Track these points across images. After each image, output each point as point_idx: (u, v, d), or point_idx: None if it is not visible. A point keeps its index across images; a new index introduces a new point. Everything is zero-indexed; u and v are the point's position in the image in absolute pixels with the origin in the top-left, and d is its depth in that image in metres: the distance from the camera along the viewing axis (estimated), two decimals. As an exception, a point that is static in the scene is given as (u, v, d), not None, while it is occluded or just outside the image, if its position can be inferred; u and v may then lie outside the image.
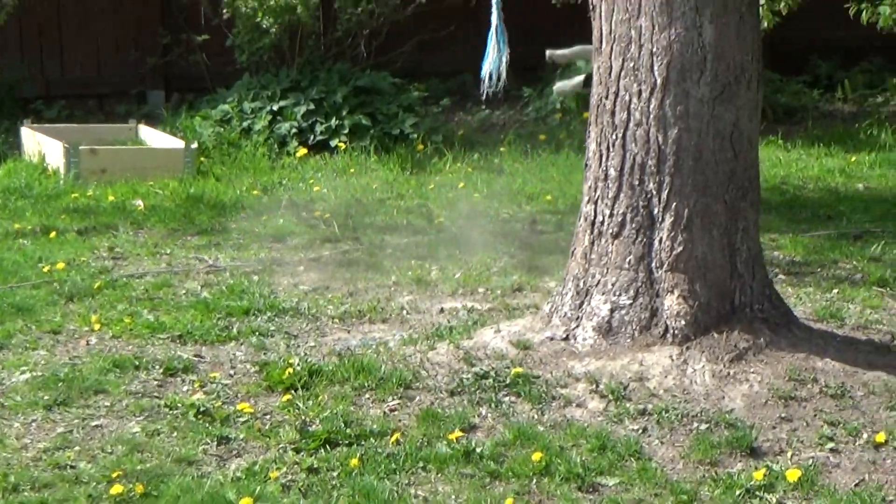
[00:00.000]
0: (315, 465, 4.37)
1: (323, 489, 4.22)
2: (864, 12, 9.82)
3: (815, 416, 4.73)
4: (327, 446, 4.52)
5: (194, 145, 10.12)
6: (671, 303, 5.01)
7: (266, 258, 7.48)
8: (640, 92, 4.98)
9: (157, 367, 5.37)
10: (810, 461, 4.39)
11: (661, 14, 4.89)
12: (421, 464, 4.37)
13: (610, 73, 5.08)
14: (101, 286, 6.67)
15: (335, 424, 4.66)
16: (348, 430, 4.63)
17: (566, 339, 5.18)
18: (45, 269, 7.03)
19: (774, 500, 4.16)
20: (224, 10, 11.03)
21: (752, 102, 5.15)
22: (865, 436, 4.56)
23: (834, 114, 12.78)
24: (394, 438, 4.55)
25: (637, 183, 5.02)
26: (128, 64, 12.45)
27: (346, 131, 10.57)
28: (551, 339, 5.22)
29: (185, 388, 5.18)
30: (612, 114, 5.08)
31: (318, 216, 8.50)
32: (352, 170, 10.14)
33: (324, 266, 7.29)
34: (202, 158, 10.20)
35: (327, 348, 5.69)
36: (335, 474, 4.30)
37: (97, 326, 5.96)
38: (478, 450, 4.43)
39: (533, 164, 10.34)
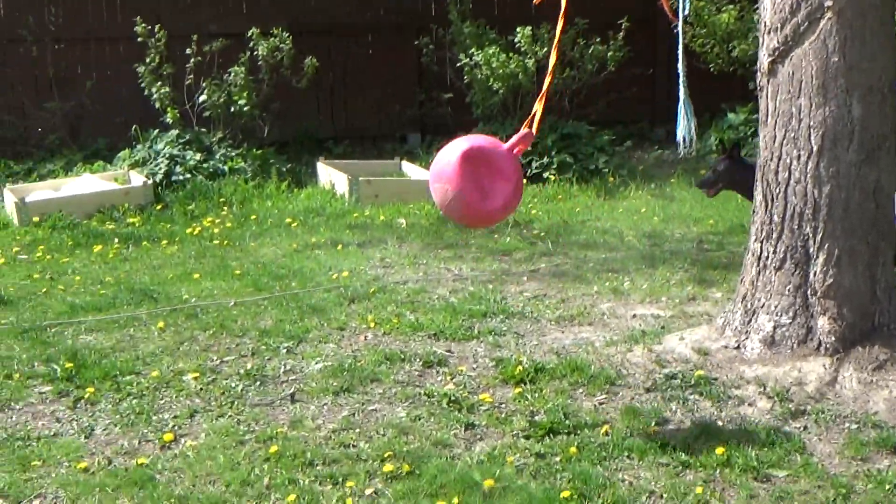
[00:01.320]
0: (542, 452, 4.63)
1: (549, 473, 4.45)
2: None
3: (947, 419, 4.85)
4: (551, 434, 4.80)
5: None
6: (823, 323, 5.26)
7: (497, 269, 7.80)
8: (798, 156, 5.24)
9: (418, 360, 5.76)
10: (944, 460, 4.48)
11: (818, 95, 5.14)
12: (626, 453, 4.61)
13: (774, 141, 5.34)
14: (374, 291, 7.12)
15: (557, 416, 4.95)
16: (567, 421, 4.92)
17: (737, 348, 5.48)
18: (335, 276, 7.54)
19: (901, 485, 4.26)
20: (465, 76, 11.89)
21: (891, 165, 5.34)
22: None
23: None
24: (603, 430, 4.80)
25: (796, 227, 5.29)
26: (393, 114, 13.43)
27: (554, 167, 11.17)
28: (725, 347, 5.51)
29: (439, 379, 5.54)
30: (776, 173, 5.34)
31: (536, 234, 8.85)
32: (559, 196, 10.56)
33: (541, 276, 7.59)
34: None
35: (547, 347, 6.01)
36: (557, 459, 4.56)
37: (372, 325, 6.38)
38: (671, 442, 4.65)
39: (697, 193, 10.59)
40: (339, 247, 8.47)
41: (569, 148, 11.47)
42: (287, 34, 11.49)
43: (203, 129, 11.38)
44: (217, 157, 10.95)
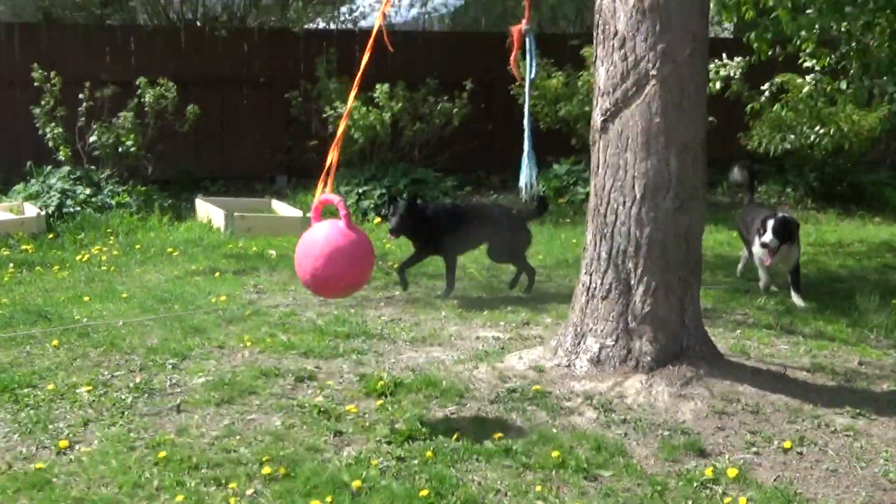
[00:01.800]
0: (402, 456, 4.65)
1: (409, 474, 4.47)
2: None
3: (741, 426, 5.09)
4: (410, 441, 4.82)
5: (309, 214, 10.90)
6: (641, 345, 5.49)
7: (358, 296, 7.61)
8: (624, 202, 5.47)
9: (290, 375, 5.75)
10: (741, 461, 4.70)
11: (642, 150, 5.40)
12: (475, 456, 4.67)
13: (604, 189, 5.55)
14: (249, 314, 7.16)
15: (414, 424, 4.97)
16: (423, 429, 4.94)
17: (568, 366, 5.63)
18: (213, 300, 7.51)
19: (720, 490, 4.40)
20: (329, 126, 12.07)
21: (700, 212, 5.66)
22: (776, 442, 4.90)
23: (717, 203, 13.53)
24: (455, 437, 4.84)
25: (620, 263, 5.52)
26: (263, 158, 13.60)
27: (406, 209, 11.45)
28: (558, 365, 5.67)
29: (309, 392, 5.53)
30: (605, 216, 5.55)
31: (391, 266, 8.90)
32: None
33: (396, 303, 7.72)
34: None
35: (404, 364, 6.07)
36: (416, 462, 4.58)
37: (248, 343, 6.38)
38: (513, 447, 4.74)
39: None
40: (217, 274, 8.54)
41: (418, 191, 11.60)
42: (172, 84, 11.42)
43: (93, 167, 11.44)
44: (105, 192, 10.95)
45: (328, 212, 5.51)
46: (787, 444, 4.88)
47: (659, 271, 5.50)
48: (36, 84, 11.25)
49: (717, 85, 10.83)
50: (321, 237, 5.02)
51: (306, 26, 15.22)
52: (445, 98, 12.34)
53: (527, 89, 6.24)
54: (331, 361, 6.10)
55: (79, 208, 10.60)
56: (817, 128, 12.87)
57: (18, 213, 10.43)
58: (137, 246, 9.69)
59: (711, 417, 5.17)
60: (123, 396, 5.41)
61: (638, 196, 5.46)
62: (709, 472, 4.54)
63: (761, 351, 6.52)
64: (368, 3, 17.14)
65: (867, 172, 14.31)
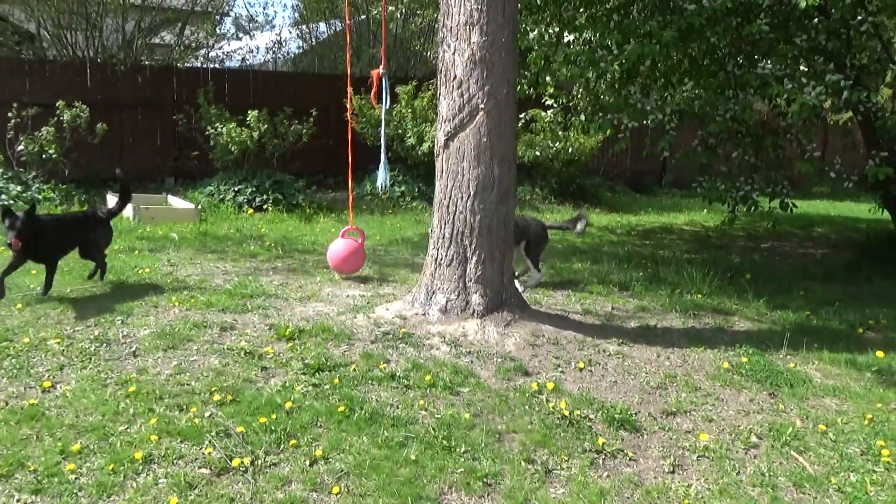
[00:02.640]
0: (316, 383, 4.55)
1: (325, 396, 4.40)
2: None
3: (547, 354, 5.22)
4: (319, 371, 4.72)
5: (199, 206, 10.41)
6: (475, 298, 5.55)
7: (251, 267, 7.51)
8: (462, 197, 5.49)
9: (216, 326, 5.44)
10: (554, 377, 4.85)
11: (474, 160, 5.43)
12: (370, 381, 4.62)
13: (447, 188, 5.56)
14: (171, 281, 6.71)
15: (320, 360, 4.86)
16: (327, 363, 4.84)
17: (424, 314, 5.62)
18: (139, 272, 6.99)
19: (544, 398, 4.54)
20: (211, 141, 11.56)
21: (512, 204, 5.73)
22: (573, 364, 5.08)
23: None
24: (352, 367, 4.80)
25: (460, 241, 5.55)
26: (156, 164, 12.74)
27: (270, 201, 11.06)
28: (416, 314, 5.65)
29: (233, 338, 5.25)
30: (447, 207, 5.56)
31: (269, 245, 8.60)
32: (276, 220, 10.38)
33: (281, 271, 7.39)
34: (202, 213, 10.40)
35: (300, 316, 5.81)
36: (328, 387, 4.49)
37: (177, 304, 5.97)
38: (396, 373, 4.73)
39: (366, 219, 10.87)
40: (136, 252, 7.93)
41: (279, 189, 11.38)
42: (85, 106, 10.63)
43: (21, 170, 10.32)
44: (33, 189, 9.99)
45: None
46: (581, 365, 5.07)
47: (487, 246, 5.58)
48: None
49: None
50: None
51: (187, 64, 14.53)
52: (296, 121, 12.06)
53: (382, 117, 6.21)
54: (244, 315, 5.81)
55: (11, 202, 9.60)
56: (556, 145, 13.44)
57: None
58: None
59: (527, 348, 5.28)
60: (87, 346, 5.00)
61: (472, 193, 5.51)
62: (534, 386, 4.67)
63: (548, 302, 6.70)
64: (231, 49, 16.42)
65: (588, 178, 15.03)
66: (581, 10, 7.72)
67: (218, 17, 16.64)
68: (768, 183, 7.65)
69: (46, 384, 4.39)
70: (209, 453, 3.72)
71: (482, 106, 5.43)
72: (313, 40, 16.97)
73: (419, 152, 12.42)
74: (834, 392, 4.98)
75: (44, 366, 4.69)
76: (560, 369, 5.02)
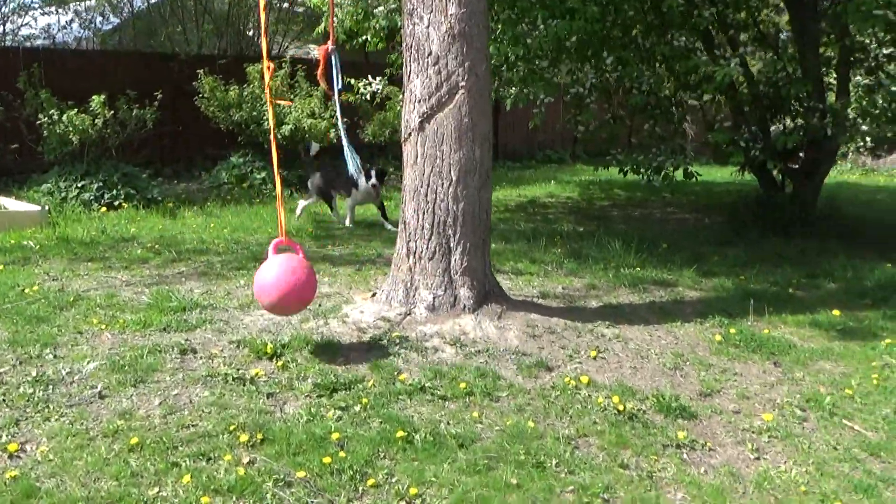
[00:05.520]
0: (343, 406, 3.96)
1: (364, 419, 3.85)
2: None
3: (551, 344, 4.93)
4: (335, 392, 4.13)
5: (47, 207, 8.92)
6: (463, 292, 5.16)
7: (152, 274, 6.47)
8: (443, 184, 5.07)
9: (172, 350, 4.58)
10: (576, 370, 4.57)
11: (455, 143, 5.02)
12: (399, 396, 4.12)
13: (423, 174, 5.10)
14: (74, 299, 5.58)
15: (327, 378, 4.25)
16: (337, 380, 4.23)
17: (409, 314, 5.14)
18: (24, 291, 5.76)
19: (585, 394, 4.26)
20: (44, 131, 9.92)
21: (490, 189, 5.37)
22: (583, 353, 4.84)
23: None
24: (371, 383, 4.26)
25: (442, 231, 5.13)
26: None
27: (122, 197, 9.73)
28: (400, 314, 5.15)
29: (201, 363, 4.45)
30: (425, 195, 5.11)
31: (151, 247, 7.47)
32: (137, 219, 9.04)
33: (191, 276, 6.41)
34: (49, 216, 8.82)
35: (255, 327, 5.04)
36: (358, 409, 3.93)
37: (103, 326, 5.00)
38: (424, 385, 4.23)
39: (233, 211, 9.98)
40: (0, 267, 6.55)
41: (129, 183, 10.11)
42: None
43: None
44: None
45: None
46: (593, 353, 4.85)
47: (471, 235, 5.17)
48: None
49: (368, 97, 10.65)
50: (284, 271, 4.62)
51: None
52: (137, 106, 10.76)
53: (336, 98, 5.55)
54: (192, 333, 4.97)
55: None
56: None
57: None
58: None
59: (529, 341, 4.97)
60: (31, 391, 4.03)
61: (454, 179, 5.08)
62: (568, 381, 4.38)
63: (551, 290, 6.28)
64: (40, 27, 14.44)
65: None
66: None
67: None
68: (673, 152, 7.85)
69: (12, 447, 3.47)
70: (282, 510, 3.10)
71: (462, 83, 5.00)
72: (130, 13, 15.28)
73: (278, 136, 11.59)
74: (823, 355, 5.13)
75: (-10, 423, 3.73)
76: (576, 360, 4.77)
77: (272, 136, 5.01)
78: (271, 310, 4.66)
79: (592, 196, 12.78)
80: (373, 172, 8.75)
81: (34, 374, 4.26)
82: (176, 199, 10.47)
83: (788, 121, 8.99)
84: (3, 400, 3.95)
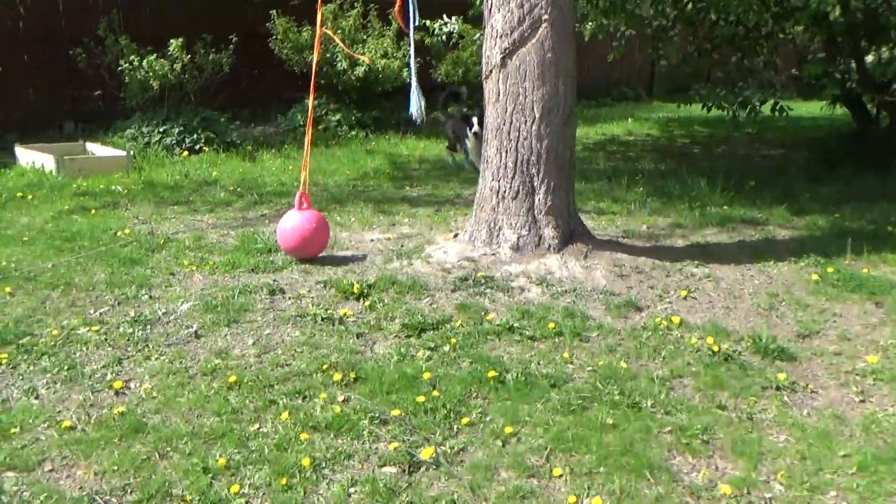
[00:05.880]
0: (432, 346, 3.94)
1: (454, 359, 3.83)
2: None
3: (639, 284, 4.85)
4: (422, 332, 4.11)
5: (132, 153, 9.08)
6: (548, 231, 5.10)
7: (236, 217, 6.59)
8: (525, 121, 4.98)
9: (261, 291, 4.67)
10: (666, 310, 4.47)
11: (538, 80, 4.91)
12: (487, 336, 4.08)
13: (506, 112, 5.01)
14: (164, 242, 5.71)
15: (414, 318, 4.24)
16: (424, 320, 4.21)
17: (494, 255, 5.10)
18: (117, 233, 5.93)
19: (677, 334, 4.15)
20: (125, 77, 9.97)
21: (575, 125, 5.30)
22: (673, 293, 4.74)
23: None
24: (458, 322, 4.24)
25: (525, 170, 5.05)
26: (50, 107, 10.97)
27: (203, 142, 9.83)
28: (484, 254, 5.12)
29: (290, 303, 4.51)
30: (508, 133, 5.03)
31: (233, 190, 7.58)
32: (218, 162, 9.10)
33: (273, 219, 6.33)
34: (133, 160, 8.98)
35: (342, 268, 5.09)
36: (447, 349, 3.91)
37: (193, 268, 5.13)
38: (512, 325, 4.17)
39: (302, 153, 9.97)
40: (93, 211, 6.73)
41: (209, 128, 10.18)
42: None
43: None
44: None
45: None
46: (683, 293, 4.74)
47: (555, 173, 5.08)
48: None
49: (444, 37, 10.49)
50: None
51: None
52: (213, 50, 10.82)
53: (411, 36, 5.46)
54: (279, 274, 5.05)
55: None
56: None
57: None
58: (-15, 194, 7.57)
59: (617, 280, 4.89)
60: (130, 331, 4.16)
61: (537, 116, 4.97)
62: (659, 322, 4.27)
63: (635, 228, 6.17)
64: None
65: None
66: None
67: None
68: (761, 86, 7.52)
69: (117, 385, 3.60)
70: (379, 448, 3.13)
71: (545, 17, 4.85)
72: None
73: (352, 77, 11.53)
74: (928, 295, 4.91)
75: (95, 362, 3.85)
76: (666, 300, 4.66)
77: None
78: (290, 253, 5.36)
79: (672, 133, 12.41)
80: (474, 120, 7.90)
81: (132, 314, 4.39)
82: (254, 143, 10.53)
83: (885, 51, 8.50)
84: (105, 339, 4.09)
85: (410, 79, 5.40)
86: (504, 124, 5.06)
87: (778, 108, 7.61)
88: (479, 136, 6.96)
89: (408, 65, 5.55)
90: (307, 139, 5.30)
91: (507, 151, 5.08)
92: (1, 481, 2.91)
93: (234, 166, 9.06)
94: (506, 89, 5.02)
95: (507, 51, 4.95)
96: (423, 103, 5.43)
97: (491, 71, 5.08)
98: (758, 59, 7.56)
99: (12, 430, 3.22)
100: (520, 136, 5.02)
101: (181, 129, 10.03)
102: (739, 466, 3.05)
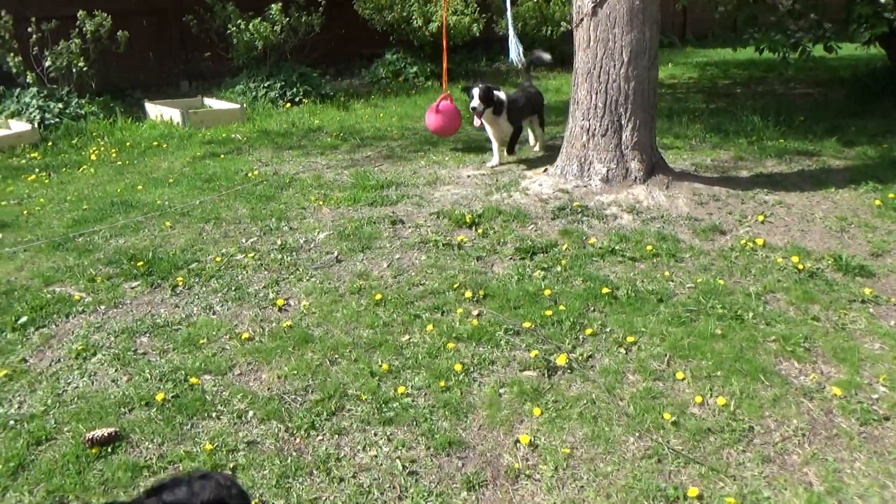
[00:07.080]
0: (545, 266, 3.87)
1: (567, 277, 3.76)
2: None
3: (718, 210, 4.66)
4: (533, 255, 4.03)
5: (244, 105, 9.02)
6: (634, 165, 4.91)
7: (345, 158, 6.49)
8: (614, 65, 4.74)
9: (384, 221, 4.63)
10: (747, 233, 4.30)
11: (627, 26, 4.66)
12: (592, 258, 3.99)
13: (596, 57, 4.78)
14: (289, 181, 5.69)
15: (525, 243, 4.17)
16: (533, 244, 4.13)
17: (586, 186, 4.95)
18: (247, 175, 5.93)
19: (763, 254, 4.01)
20: (234, 39, 9.83)
21: (657, 69, 5.00)
22: (750, 217, 4.55)
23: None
24: (565, 246, 4.15)
25: (614, 109, 4.84)
26: (168, 68, 10.93)
27: (301, 95, 9.68)
28: (577, 186, 4.96)
29: (410, 231, 4.46)
30: (598, 77, 4.80)
31: (336, 136, 7.46)
32: (316, 112, 8.94)
33: (377, 160, 6.38)
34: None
35: (447, 200, 5.01)
36: (558, 269, 3.84)
37: (320, 203, 5.11)
38: (611, 247, 4.08)
39: (396, 101, 9.80)
40: (221, 156, 6.71)
41: (306, 82, 10.03)
42: (107, 14, 8.94)
43: (54, 86, 8.64)
44: (73, 104, 8.37)
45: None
46: (760, 218, 4.54)
47: (641, 112, 4.85)
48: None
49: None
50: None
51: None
52: (304, 12, 10.62)
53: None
54: (395, 206, 4.99)
55: (57, 119, 8.12)
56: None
57: (5, 129, 7.95)
58: (127, 143, 7.47)
59: (698, 207, 4.70)
60: (280, 256, 4.17)
61: (626, 60, 4.73)
62: (745, 244, 4.12)
63: (703, 163, 5.84)
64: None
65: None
66: None
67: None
68: (811, 28, 7.09)
69: (279, 302, 3.61)
70: (517, 355, 3.09)
71: (635, -33, 4.57)
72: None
73: (426, 33, 11.23)
74: None
75: (256, 283, 3.87)
76: (745, 224, 4.48)
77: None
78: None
79: (712, 76, 11.88)
80: (474, 92, 5.72)
81: (279, 242, 4.39)
82: (345, 94, 10.41)
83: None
84: (261, 264, 4.10)
85: (508, 30, 5.19)
86: (594, 68, 4.84)
87: (829, 47, 7.18)
88: (476, 112, 5.64)
89: (505, 16, 5.32)
90: (444, 54, 5.07)
91: (597, 93, 4.86)
92: (202, 383, 2.97)
93: (332, 115, 8.94)
94: (596, 36, 4.78)
95: (597, 1, 4.71)
96: (521, 49, 5.21)
97: (582, 19, 4.84)
98: (808, 1, 7.09)
99: (201, 341, 3.27)
100: (609, 78, 4.80)
101: (282, 83, 9.93)
102: (843, 371, 2.94)
